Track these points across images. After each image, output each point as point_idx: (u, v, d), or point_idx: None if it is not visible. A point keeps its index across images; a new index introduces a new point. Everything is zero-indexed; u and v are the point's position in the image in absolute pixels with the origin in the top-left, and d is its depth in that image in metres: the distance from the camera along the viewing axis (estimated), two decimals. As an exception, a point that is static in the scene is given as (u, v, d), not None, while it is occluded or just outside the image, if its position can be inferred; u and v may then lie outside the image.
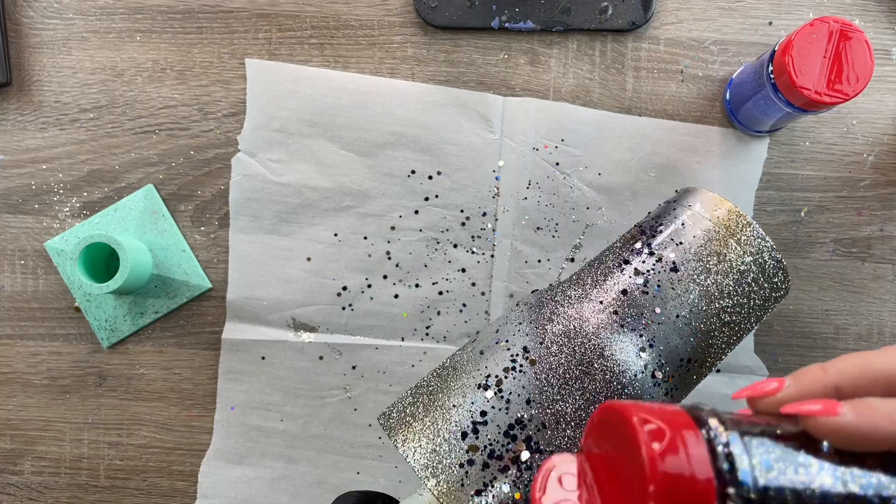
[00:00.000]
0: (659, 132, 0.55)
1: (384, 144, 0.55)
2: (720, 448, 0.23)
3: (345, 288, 0.56)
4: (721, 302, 0.40)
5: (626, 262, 0.41)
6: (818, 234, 0.56)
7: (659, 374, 0.39)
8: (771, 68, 0.46)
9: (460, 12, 0.55)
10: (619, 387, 0.37)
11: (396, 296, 0.56)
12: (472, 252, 0.56)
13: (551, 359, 0.37)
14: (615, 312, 0.39)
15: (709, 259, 0.41)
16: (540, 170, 0.55)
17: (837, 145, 0.56)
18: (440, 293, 0.56)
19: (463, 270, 0.56)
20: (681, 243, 0.41)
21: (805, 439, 0.24)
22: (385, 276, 0.56)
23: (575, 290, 0.41)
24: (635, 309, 0.39)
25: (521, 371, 0.37)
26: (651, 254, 0.41)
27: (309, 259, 0.56)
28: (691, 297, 0.40)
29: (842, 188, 0.56)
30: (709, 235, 0.41)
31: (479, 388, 0.37)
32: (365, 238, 0.56)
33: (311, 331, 0.56)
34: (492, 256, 0.56)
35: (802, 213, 0.56)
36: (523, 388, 0.37)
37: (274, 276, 0.56)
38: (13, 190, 0.56)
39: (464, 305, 0.56)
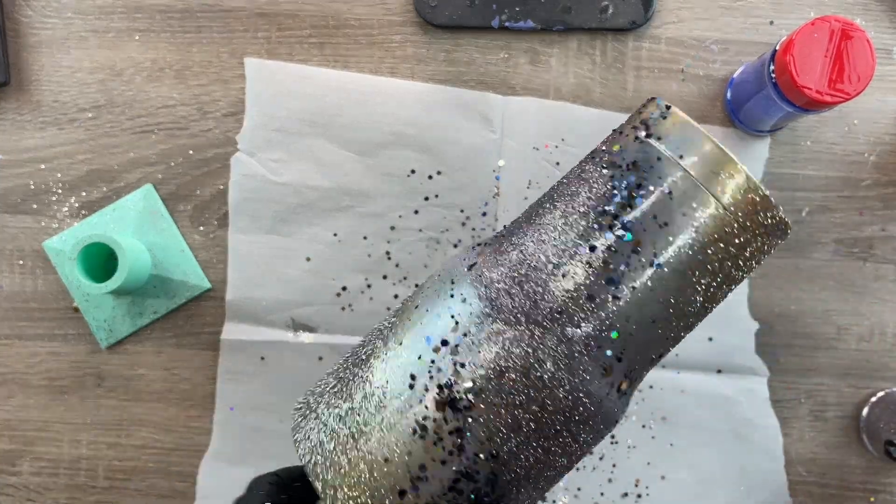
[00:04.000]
0: (660, 132, 0.55)
1: (384, 144, 0.55)
2: None
3: (344, 288, 0.56)
4: (713, 288, 0.33)
5: (592, 248, 0.32)
6: (820, 234, 0.56)
7: (624, 385, 0.34)
8: (772, 67, 0.46)
9: (460, 11, 0.54)
10: (578, 418, 0.33)
11: (396, 296, 0.56)
12: (472, 252, 0.56)
13: (502, 398, 0.31)
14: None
15: (712, 257, 0.33)
16: (540, 169, 0.55)
17: (839, 145, 0.56)
18: (440, 293, 0.55)
19: (463, 270, 0.55)
20: (671, 240, 0.32)
21: None
22: (385, 276, 0.56)
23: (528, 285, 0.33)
24: (599, 321, 0.32)
25: (467, 413, 0.32)
26: (620, 239, 0.32)
27: (308, 259, 0.56)
28: (678, 298, 0.33)
29: (843, 188, 0.56)
30: (719, 228, 0.32)
31: (413, 433, 0.32)
32: (365, 238, 0.56)
33: (310, 331, 0.56)
34: (492, 256, 0.55)
35: (804, 213, 0.56)
36: (470, 434, 0.31)
37: (273, 276, 0.55)
38: (12, 190, 0.56)
39: (464, 306, 0.55)
